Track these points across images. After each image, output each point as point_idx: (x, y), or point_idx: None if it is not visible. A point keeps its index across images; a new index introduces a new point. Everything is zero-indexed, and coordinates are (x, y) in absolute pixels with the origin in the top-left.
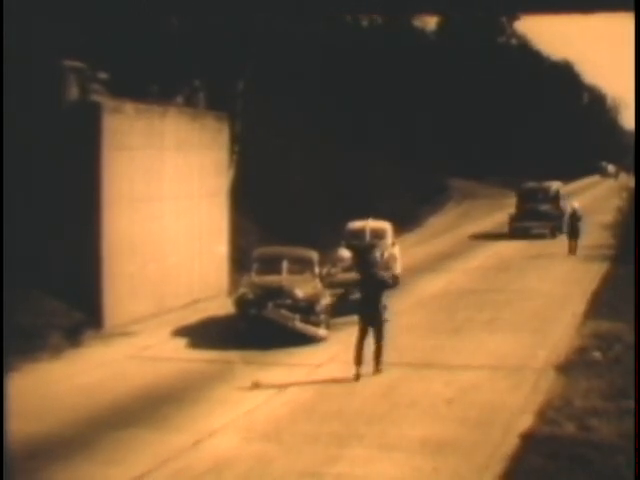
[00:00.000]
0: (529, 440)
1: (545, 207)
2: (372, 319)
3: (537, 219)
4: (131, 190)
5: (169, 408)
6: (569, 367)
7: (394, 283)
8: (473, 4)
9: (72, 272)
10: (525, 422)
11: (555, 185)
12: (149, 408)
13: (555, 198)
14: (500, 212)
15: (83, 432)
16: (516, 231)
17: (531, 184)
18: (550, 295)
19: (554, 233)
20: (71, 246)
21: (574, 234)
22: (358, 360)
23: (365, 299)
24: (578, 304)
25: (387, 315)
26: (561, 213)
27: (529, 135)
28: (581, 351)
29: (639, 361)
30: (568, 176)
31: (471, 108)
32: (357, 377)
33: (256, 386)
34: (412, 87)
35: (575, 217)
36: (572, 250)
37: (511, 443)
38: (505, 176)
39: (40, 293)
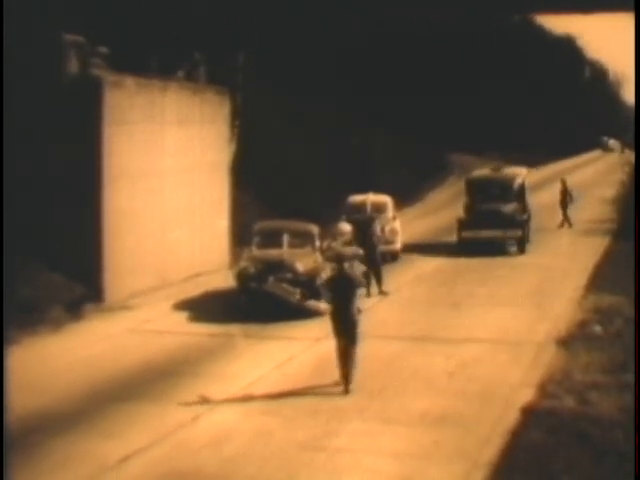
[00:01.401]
0: (529, 414)
1: (507, 207)
2: (345, 325)
3: (496, 225)
4: (132, 164)
5: (169, 382)
6: (570, 341)
7: (394, 257)
8: (469, 4)
9: (73, 246)
10: (526, 396)
11: (519, 174)
12: (149, 382)
13: (520, 193)
14: None
15: (83, 406)
16: (466, 243)
17: (485, 173)
18: (551, 269)
19: (522, 245)
20: (72, 220)
21: (564, 207)
22: (344, 375)
23: (337, 301)
24: (579, 278)
25: (361, 324)
26: (528, 215)
27: (530, 110)
28: (582, 325)
29: (639, 337)
30: (569, 151)
31: (472, 83)
32: (347, 391)
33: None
34: (412, 62)
35: (566, 192)
36: (562, 224)
37: (512, 417)
38: (506, 151)
39: (41, 267)
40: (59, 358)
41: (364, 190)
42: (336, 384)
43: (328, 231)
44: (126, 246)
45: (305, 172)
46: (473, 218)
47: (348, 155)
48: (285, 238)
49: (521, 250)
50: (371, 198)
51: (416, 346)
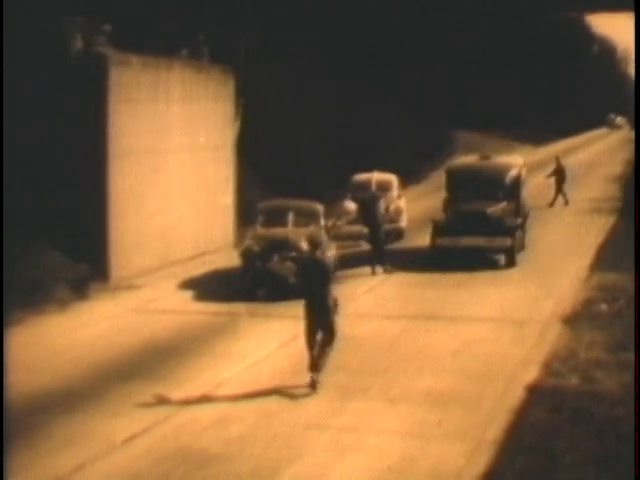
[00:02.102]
0: (534, 392)
1: (495, 208)
2: (319, 315)
3: (479, 231)
4: (137, 142)
5: (174, 361)
6: (574, 319)
7: (399, 236)
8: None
9: (78, 225)
10: (530, 374)
11: (514, 164)
12: (154, 361)
13: (513, 190)
14: None
15: (88, 384)
16: (442, 252)
17: (469, 162)
18: (556, 247)
19: (511, 257)
20: (77, 199)
21: (558, 185)
22: (312, 366)
23: (309, 289)
24: (584, 256)
25: (336, 314)
26: (523, 218)
27: (536, 87)
28: (587, 303)
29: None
30: (576, 129)
31: (478, 59)
32: (314, 385)
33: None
34: (415, 37)
35: (561, 170)
36: (554, 202)
37: (516, 395)
38: (512, 128)
39: (46, 246)
40: (64, 337)
41: (369, 169)
42: (341, 364)
43: (333, 210)
44: (131, 225)
45: (309, 151)
46: (451, 221)
47: (352, 134)
48: (290, 217)
49: (510, 263)
50: (376, 176)
51: (420, 325)
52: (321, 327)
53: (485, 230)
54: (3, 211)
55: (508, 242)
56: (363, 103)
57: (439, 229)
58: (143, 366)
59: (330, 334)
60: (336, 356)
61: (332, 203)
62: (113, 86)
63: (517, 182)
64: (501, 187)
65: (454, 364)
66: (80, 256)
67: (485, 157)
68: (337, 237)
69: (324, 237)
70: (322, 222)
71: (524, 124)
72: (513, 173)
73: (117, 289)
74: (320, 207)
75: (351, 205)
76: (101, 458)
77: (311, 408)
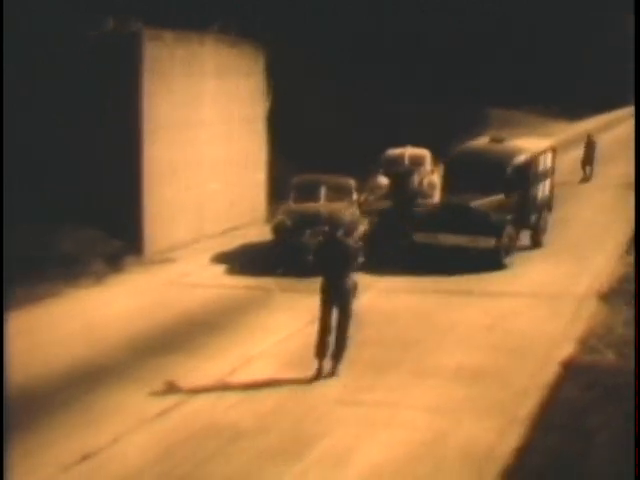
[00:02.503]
0: (569, 368)
1: (483, 201)
2: (337, 299)
3: (461, 228)
4: (170, 117)
5: (207, 335)
6: (611, 295)
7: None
8: None
9: (112, 199)
10: (565, 350)
11: (523, 149)
12: (187, 334)
13: (514, 179)
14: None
15: (122, 358)
16: (419, 249)
17: (474, 146)
18: (592, 223)
19: (496, 259)
20: (111, 174)
21: (589, 162)
22: (320, 351)
23: (328, 272)
24: (621, 232)
25: (355, 300)
26: (537, 211)
27: (575, 62)
28: (623, 279)
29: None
30: (604, 106)
31: (509, 35)
32: (319, 374)
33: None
34: (449, 13)
35: (592, 147)
36: (586, 178)
37: (550, 371)
38: (547, 105)
39: (81, 221)
40: (99, 310)
41: (401, 143)
42: (373, 338)
43: (365, 185)
44: (165, 199)
45: (342, 126)
46: (431, 214)
47: (385, 109)
48: (322, 192)
49: (496, 264)
50: (409, 151)
51: (453, 300)
52: (338, 311)
53: (468, 227)
54: (3, 193)
55: (491, 242)
56: (397, 78)
57: (417, 222)
58: (177, 340)
59: (346, 319)
60: (366, 330)
61: (364, 178)
62: (146, 61)
63: (524, 171)
64: (500, 177)
65: (488, 339)
66: (115, 230)
67: (497, 140)
68: (369, 212)
69: (355, 213)
70: (354, 197)
71: (559, 100)
72: (518, 161)
73: (151, 263)
74: (352, 182)
75: (383, 180)
76: (135, 432)
77: (343, 383)
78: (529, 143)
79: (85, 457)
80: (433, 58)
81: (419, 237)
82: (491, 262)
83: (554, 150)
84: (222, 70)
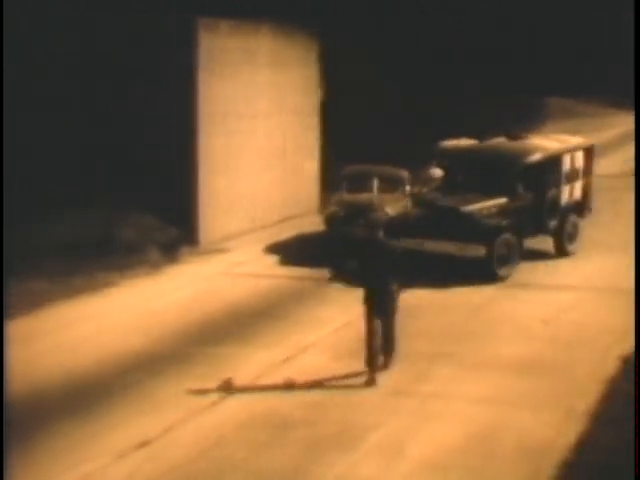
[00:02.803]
0: (628, 363)
1: (478, 205)
2: (380, 304)
3: (448, 233)
4: (225, 107)
5: (260, 324)
6: None
7: None
8: None
9: (168, 188)
10: (625, 343)
11: (543, 146)
12: (242, 324)
13: (520, 181)
14: (603, 131)
15: (176, 347)
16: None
17: (476, 143)
18: None
19: (490, 270)
20: (168, 163)
21: None
22: (371, 361)
23: (369, 271)
24: None
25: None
26: (560, 217)
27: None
28: None
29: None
30: None
31: (567, 24)
32: (372, 382)
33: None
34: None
35: None
36: None
37: (610, 365)
38: (608, 94)
39: (137, 210)
40: (155, 299)
41: (456, 135)
42: (425, 329)
43: (419, 176)
44: (220, 188)
45: (395, 117)
46: (418, 217)
47: (440, 99)
48: (375, 183)
49: (489, 275)
50: (464, 143)
51: (508, 292)
52: (381, 315)
53: (456, 233)
54: (3, 189)
55: (482, 251)
56: (453, 68)
57: (401, 226)
58: (230, 329)
59: (392, 325)
60: (418, 321)
61: (418, 169)
62: (203, 50)
63: (538, 172)
64: (504, 178)
65: (544, 332)
66: (172, 219)
67: (513, 136)
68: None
69: (407, 205)
70: (407, 188)
71: (620, 90)
72: (529, 160)
73: (206, 252)
74: (405, 173)
75: (437, 172)
76: (188, 421)
77: (395, 373)
78: (552, 141)
79: (141, 445)
80: (491, 47)
81: (405, 243)
82: (483, 273)
83: (588, 149)
84: (277, 60)
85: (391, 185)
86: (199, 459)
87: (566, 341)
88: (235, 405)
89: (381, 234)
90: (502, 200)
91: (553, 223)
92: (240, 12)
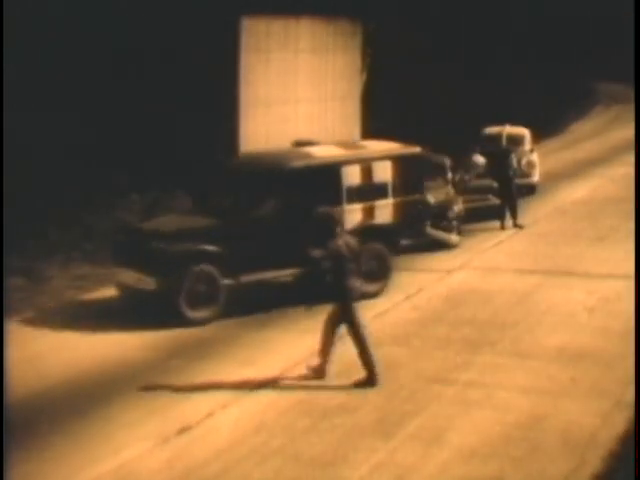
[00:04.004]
0: None
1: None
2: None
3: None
4: (267, 92)
5: (299, 311)
6: None
7: (531, 190)
8: None
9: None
10: None
11: (320, 155)
12: (283, 309)
13: (279, 198)
14: None
15: (218, 332)
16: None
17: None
18: None
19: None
20: (208, 148)
21: None
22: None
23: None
24: None
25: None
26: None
27: None
28: None
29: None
30: None
31: (615, 10)
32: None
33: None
34: None
35: None
36: None
37: None
38: None
39: (180, 192)
40: None
41: (500, 121)
42: (468, 317)
43: (461, 163)
44: None
45: (438, 103)
46: (124, 243)
47: (483, 84)
48: None
49: (179, 317)
50: (507, 130)
51: (553, 280)
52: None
53: (141, 261)
54: (3, 188)
55: (151, 284)
56: (499, 53)
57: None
58: (272, 314)
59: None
60: (461, 309)
61: (460, 156)
62: (244, 36)
63: (289, 187)
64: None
65: (590, 321)
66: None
67: (302, 143)
68: (465, 191)
69: (450, 192)
70: (449, 175)
71: None
72: (274, 172)
73: None
74: (447, 160)
75: (480, 159)
76: (229, 406)
77: (437, 361)
78: (343, 148)
79: (183, 429)
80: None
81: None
82: (169, 311)
83: (406, 159)
84: (318, 46)
85: (433, 172)
86: (239, 444)
87: (612, 331)
88: (276, 390)
89: (342, 230)
90: (207, 221)
91: (320, 253)
92: None
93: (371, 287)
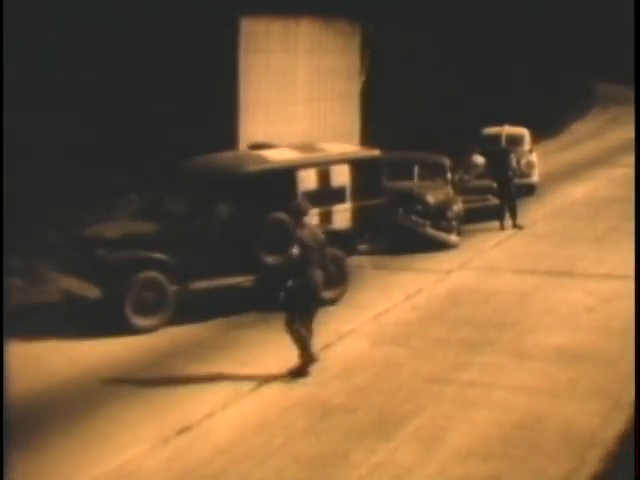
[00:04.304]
0: None
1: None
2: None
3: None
4: (266, 92)
5: None
6: None
7: (531, 191)
8: None
9: None
10: None
11: (273, 158)
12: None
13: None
14: None
15: (216, 333)
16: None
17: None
18: None
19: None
20: (208, 147)
21: None
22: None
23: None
24: None
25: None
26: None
27: None
28: None
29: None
30: None
31: (615, 10)
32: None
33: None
34: None
35: None
36: None
37: None
38: None
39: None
40: None
41: (500, 121)
42: (467, 317)
43: (460, 163)
44: None
45: (437, 103)
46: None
47: (483, 85)
48: (415, 170)
49: (125, 326)
50: (506, 130)
51: (552, 281)
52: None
53: (78, 267)
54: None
55: (95, 292)
56: (498, 52)
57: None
58: (269, 315)
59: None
60: (460, 309)
61: (459, 156)
62: (244, 36)
63: (244, 192)
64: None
65: (589, 321)
66: None
67: (258, 146)
68: (464, 191)
69: (449, 192)
70: (448, 176)
71: None
72: (219, 177)
73: None
74: (446, 160)
75: (479, 159)
76: (228, 407)
77: (436, 361)
78: (297, 151)
79: (183, 430)
80: (540, 32)
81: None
82: (114, 319)
83: (364, 162)
84: (317, 46)
85: (432, 172)
86: (238, 444)
87: (611, 331)
88: (275, 390)
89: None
90: (155, 227)
91: (274, 260)
92: None
93: (329, 293)
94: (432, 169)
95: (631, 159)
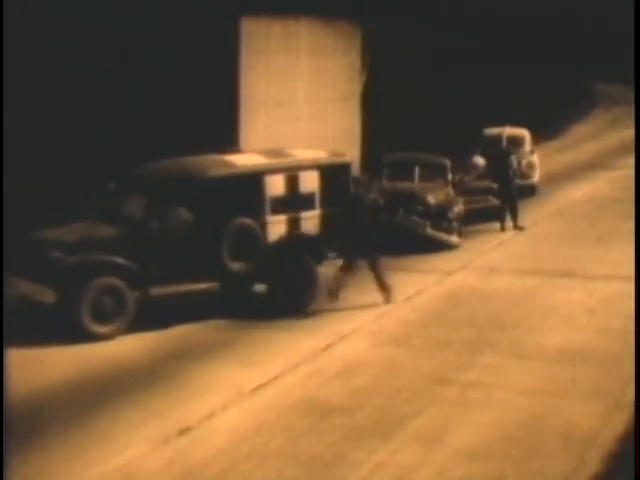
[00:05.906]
0: None
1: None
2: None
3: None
4: (267, 93)
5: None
6: None
7: (531, 192)
8: None
9: None
10: None
11: (238, 163)
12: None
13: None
14: None
15: (219, 334)
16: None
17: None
18: None
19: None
20: (209, 149)
21: None
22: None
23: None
24: None
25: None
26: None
27: None
28: None
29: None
30: None
31: (615, 10)
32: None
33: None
34: None
35: None
36: None
37: None
38: None
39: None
40: None
41: (500, 122)
42: (468, 318)
43: (461, 164)
44: None
45: (438, 104)
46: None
47: (484, 85)
48: (416, 170)
49: (82, 332)
50: (507, 131)
51: (553, 282)
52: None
53: (30, 269)
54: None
55: (51, 297)
56: (499, 53)
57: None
58: (274, 316)
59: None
60: (461, 310)
61: (460, 157)
62: (244, 37)
63: (208, 196)
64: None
65: (590, 322)
66: None
67: (224, 152)
68: (465, 192)
69: (450, 193)
70: (449, 176)
71: None
72: (182, 181)
73: None
74: (447, 161)
75: (480, 160)
76: (230, 407)
77: (437, 362)
78: (263, 156)
79: (184, 430)
80: (539, 32)
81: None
82: (70, 324)
83: (333, 168)
84: (318, 47)
85: (433, 173)
86: (239, 445)
87: (612, 331)
88: (277, 391)
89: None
90: (114, 231)
91: (240, 266)
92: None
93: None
94: (433, 170)
95: (631, 160)
